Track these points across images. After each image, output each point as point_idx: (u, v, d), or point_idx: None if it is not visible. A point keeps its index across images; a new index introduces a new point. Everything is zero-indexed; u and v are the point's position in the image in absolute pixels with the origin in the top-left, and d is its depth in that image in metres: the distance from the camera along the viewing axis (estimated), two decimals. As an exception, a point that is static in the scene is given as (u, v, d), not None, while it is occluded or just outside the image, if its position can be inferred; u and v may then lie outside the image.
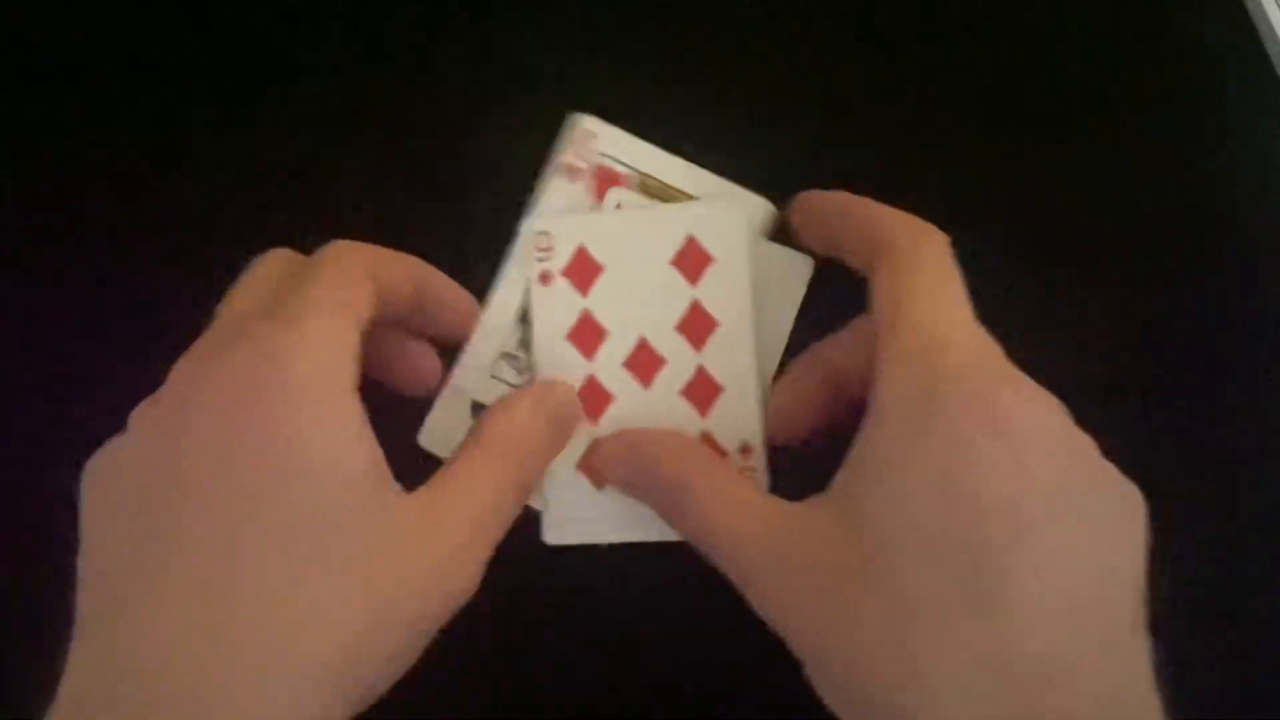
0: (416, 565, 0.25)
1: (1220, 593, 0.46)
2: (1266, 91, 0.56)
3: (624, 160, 0.30)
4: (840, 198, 0.29)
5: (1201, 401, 0.50)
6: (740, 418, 0.30)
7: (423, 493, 0.26)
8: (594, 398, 0.31)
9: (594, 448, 0.31)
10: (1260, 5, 0.56)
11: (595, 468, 0.31)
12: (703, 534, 0.28)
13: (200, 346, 0.27)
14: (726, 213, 0.29)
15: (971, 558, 0.23)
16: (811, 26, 0.56)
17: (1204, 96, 0.55)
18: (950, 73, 0.56)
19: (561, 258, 0.30)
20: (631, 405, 0.30)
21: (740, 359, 0.29)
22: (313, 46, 0.55)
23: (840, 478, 0.26)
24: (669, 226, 0.30)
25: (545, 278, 0.30)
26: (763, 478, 0.30)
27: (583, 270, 0.30)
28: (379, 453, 0.26)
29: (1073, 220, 0.53)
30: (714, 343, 0.30)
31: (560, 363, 0.31)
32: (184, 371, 0.26)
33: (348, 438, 0.25)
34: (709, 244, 0.29)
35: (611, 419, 0.31)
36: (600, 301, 0.30)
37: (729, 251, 0.29)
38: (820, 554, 0.25)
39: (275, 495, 0.24)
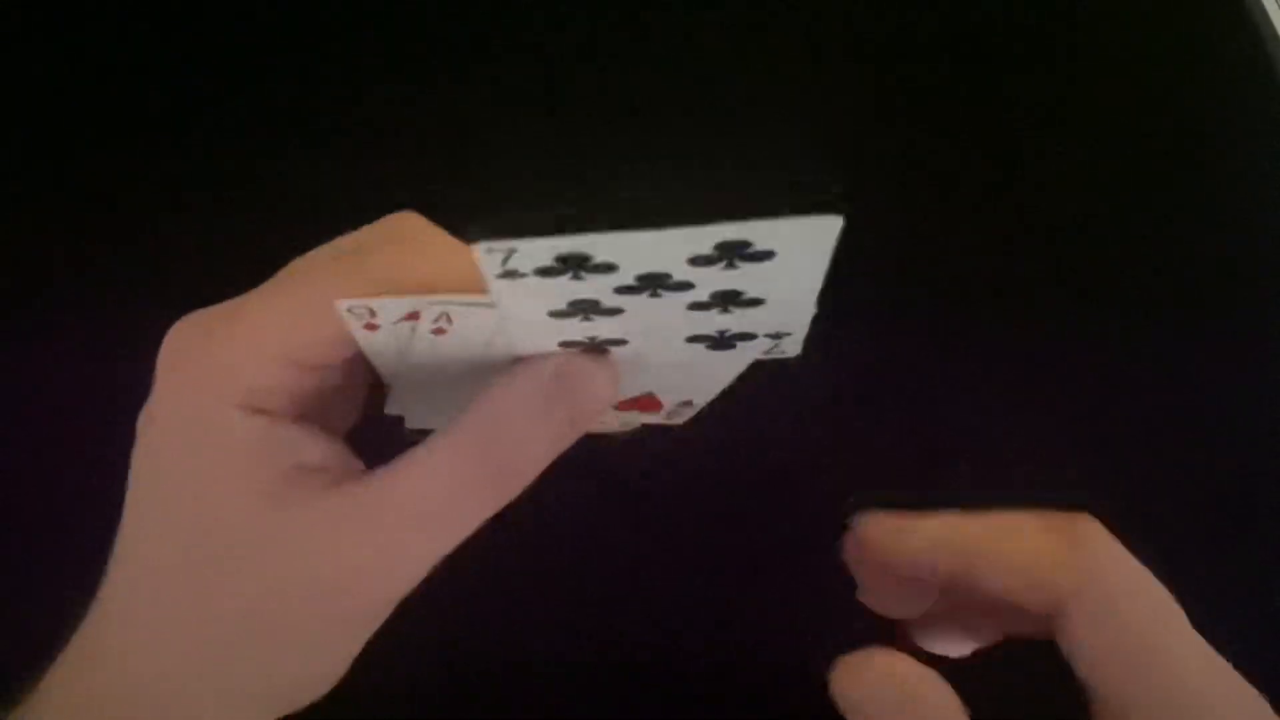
0: (322, 569, 0.24)
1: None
2: (1266, 92, 0.55)
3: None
4: (931, 528, 0.27)
5: (1203, 409, 0.49)
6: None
7: (361, 486, 0.24)
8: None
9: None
10: (1260, 5, 0.56)
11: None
12: None
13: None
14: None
15: None
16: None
17: (1204, 97, 0.55)
18: (948, 72, 0.56)
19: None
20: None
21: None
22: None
23: None
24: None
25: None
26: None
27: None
28: (290, 457, 0.25)
29: (1067, 215, 0.53)
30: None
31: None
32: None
33: (226, 462, 0.24)
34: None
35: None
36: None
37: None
38: None
39: (167, 520, 0.25)
